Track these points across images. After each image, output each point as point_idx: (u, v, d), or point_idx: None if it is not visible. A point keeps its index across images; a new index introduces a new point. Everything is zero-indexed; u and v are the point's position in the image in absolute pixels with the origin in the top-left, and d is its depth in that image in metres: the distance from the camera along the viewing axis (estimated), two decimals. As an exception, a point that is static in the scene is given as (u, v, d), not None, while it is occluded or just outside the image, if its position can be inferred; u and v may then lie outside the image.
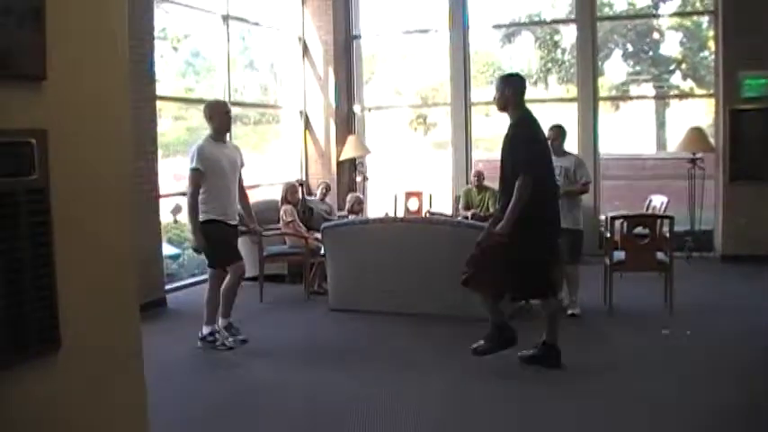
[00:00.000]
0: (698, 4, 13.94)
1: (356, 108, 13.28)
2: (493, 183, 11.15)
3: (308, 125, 12.88)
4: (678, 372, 5.93)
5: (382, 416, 5.21)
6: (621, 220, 7.86)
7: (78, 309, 2.81)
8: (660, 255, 7.76)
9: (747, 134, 10.51)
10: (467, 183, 11.76)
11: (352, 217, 9.81)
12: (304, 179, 12.12)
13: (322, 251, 8.77)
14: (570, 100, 12.67)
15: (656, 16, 15.02)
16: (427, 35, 14.15)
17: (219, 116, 6.82)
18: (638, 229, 7.86)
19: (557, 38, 16.29)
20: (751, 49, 10.24)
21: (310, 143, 12.88)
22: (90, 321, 2.89)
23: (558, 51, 16.50)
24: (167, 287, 9.32)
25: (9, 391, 2.56)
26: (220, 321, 6.91)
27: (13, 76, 2.54)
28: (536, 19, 15.13)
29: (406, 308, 7.76)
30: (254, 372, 6.25)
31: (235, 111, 11.87)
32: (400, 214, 11.59)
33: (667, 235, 7.85)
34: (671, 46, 16.13)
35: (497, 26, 14.62)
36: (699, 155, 10.95)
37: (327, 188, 11.11)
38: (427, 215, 11.14)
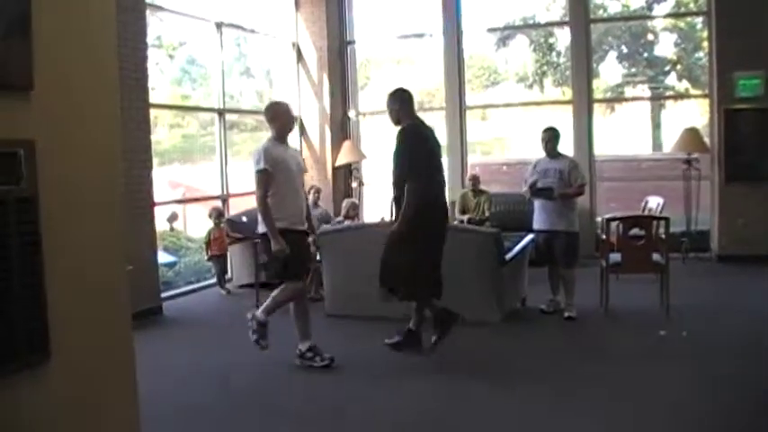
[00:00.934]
0: (691, 5, 13.98)
1: (351, 113, 13.28)
2: (488, 186, 11.21)
3: (303, 131, 12.89)
4: (675, 373, 5.92)
5: (378, 419, 5.19)
6: (617, 221, 7.86)
7: (68, 318, 2.81)
8: (656, 256, 7.76)
9: (742, 134, 10.51)
10: (462, 187, 11.74)
11: (347, 222, 9.79)
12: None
13: (318, 257, 8.76)
14: (565, 102, 12.67)
15: (650, 17, 15.05)
16: (422, 40, 14.16)
17: (282, 117, 6.47)
18: (634, 231, 7.86)
19: (551, 40, 16.31)
20: (744, 50, 10.26)
21: (306, 149, 12.88)
22: (80, 330, 2.89)
23: (553, 54, 16.52)
24: (163, 295, 9.29)
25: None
26: (300, 345, 6.49)
27: (0, 86, 2.54)
28: (530, 22, 15.16)
29: (401, 313, 7.73)
30: (250, 379, 6.24)
31: (231, 118, 11.91)
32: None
33: (663, 236, 7.85)
34: (665, 47, 16.17)
35: (492, 29, 14.63)
36: (694, 155, 10.95)
37: (318, 192, 11.07)
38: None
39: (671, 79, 16.28)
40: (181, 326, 8.41)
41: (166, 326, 8.40)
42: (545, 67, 16.84)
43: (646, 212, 9.65)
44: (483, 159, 16.81)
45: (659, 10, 14.86)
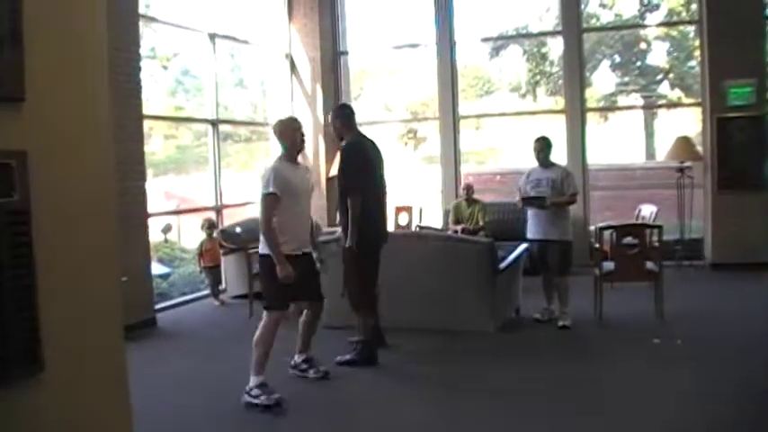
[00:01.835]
0: (684, 14, 14.04)
1: (345, 124, 13.28)
2: (482, 196, 11.22)
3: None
4: (669, 380, 5.93)
5: (376, 429, 5.19)
6: (610, 230, 7.88)
7: (62, 330, 2.81)
8: (650, 264, 7.77)
9: (734, 142, 10.55)
10: (456, 197, 11.76)
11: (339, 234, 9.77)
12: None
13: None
14: (559, 111, 12.70)
15: (643, 26, 15.14)
16: (415, 50, 14.20)
17: (291, 134, 6.14)
18: (628, 239, 7.87)
19: (544, 50, 16.40)
20: (736, 58, 10.31)
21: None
22: (73, 342, 2.89)
23: (546, 63, 16.61)
24: (157, 306, 9.27)
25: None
26: (297, 356, 6.49)
27: (-8, 97, 2.55)
28: (523, 32, 15.23)
29: (397, 323, 7.74)
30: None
31: (225, 129, 11.92)
32: (390, 229, 11.56)
33: (656, 244, 7.86)
34: (658, 56, 16.28)
35: (485, 39, 14.69)
36: (687, 164, 10.98)
37: None
38: (417, 230, 11.12)
39: (663, 88, 16.37)
40: (174, 337, 8.39)
41: (160, 337, 8.38)
42: (538, 77, 16.93)
43: (639, 221, 9.67)
44: (477, 169, 16.86)
45: (652, 19, 14.97)
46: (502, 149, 17.79)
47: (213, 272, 10.03)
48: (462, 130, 12.98)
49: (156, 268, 10.69)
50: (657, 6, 14.72)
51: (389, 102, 16.59)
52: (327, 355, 7.11)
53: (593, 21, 14.46)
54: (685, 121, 13.56)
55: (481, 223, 10.59)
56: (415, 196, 12.64)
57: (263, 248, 5.95)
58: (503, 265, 7.80)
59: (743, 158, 10.52)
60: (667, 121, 15.25)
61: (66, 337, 2.85)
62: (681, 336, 7.16)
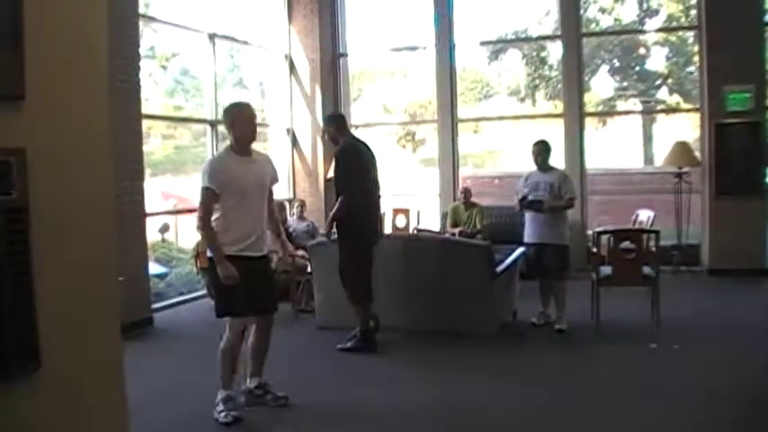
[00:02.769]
0: (683, 20, 14.08)
1: (344, 125, 13.29)
2: (480, 199, 11.23)
3: (295, 143, 12.90)
4: (665, 386, 5.93)
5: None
6: (608, 234, 7.88)
7: (59, 328, 2.81)
8: (646, 269, 7.77)
9: (732, 148, 10.56)
10: (454, 200, 11.76)
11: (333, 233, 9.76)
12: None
13: (309, 269, 8.76)
14: (557, 116, 12.71)
15: (642, 32, 15.17)
16: (414, 52, 14.21)
17: (242, 123, 5.39)
18: (625, 244, 7.87)
19: (543, 54, 16.43)
20: (734, 63, 10.32)
21: (298, 161, 12.90)
22: (71, 340, 2.89)
23: (546, 68, 16.63)
24: (154, 306, 9.27)
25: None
26: (248, 381, 5.74)
27: (-8, 96, 2.55)
28: (522, 36, 15.24)
29: (393, 325, 7.75)
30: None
31: (223, 129, 11.90)
32: (387, 231, 11.57)
33: (653, 249, 7.86)
34: (657, 61, 16.30)
35: (484, 43, 14.71)
36: (685, 169, 11.00)
37: (303, 205, 11.06)
38: (414, 232, 11.12)
39: (662, 93, 16.41)
40: (172, 337, 8.38)
41: (157, 337, 8.38)
42: (537, 81, 16.96)
43: (636, 226, 9.67)
44: (475, 172, 16.88)
45: (651, 24, 15.00)
46: (500, 153, 17.82)
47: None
48: (461, 133, 13.00)
49: (154, 268, 10.68)
50: (657, 12, 14.76)
51: (388, 104, 16.60)
52: (322, 355, 7.14)
53: (593, 25, 14.51)
54: (684, 127, 13.59)
55: (479, 226, 10.59)
56: (413, 199, 12.64)
57: (210, 251, 5.36)
58: (500, 268, 7.80)
59: (741, 164, 10.52)
60: (666, 126, 15.29)
61: (64, 335, 2.85)
62: (677, 341, 7.17)
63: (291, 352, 7.51)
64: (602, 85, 16.65)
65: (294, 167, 12.88)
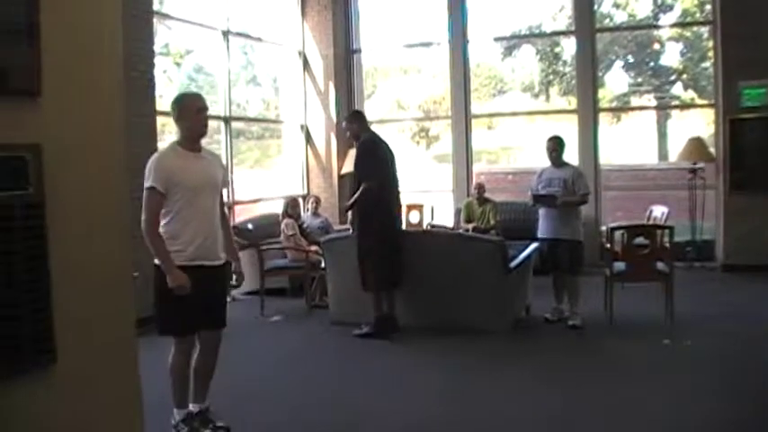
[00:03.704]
0: (698, 15, 14.00)
1: (357, 122, 13.30)
2: (494, 195, 11.22)
3: (309, 139, 12.92)
4: (679, 382, 5.92)
5: (387, 424, 5.21)
6: (622, 230, 7.87)
7: (74, 322, 2.84)
8: (660, 265, 7.76)
9: (747, 144, 10.51)
10: (468, 195, 11.76)
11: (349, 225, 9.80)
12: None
13: (323, 264, 8.79)
14: (571, 111, 12.68)
15: (657, 27, 15.09)
16: (428, 48, 14.21)
17: (191, 115, 4.76)
18: (639, 240, 7.86)
19: (557, 50, 16.38)
20: (750, 59, 10.26)
21: (311, 157, 12.92)
22: (86, 334, 2.92)
23: (560, 63, 16.59)
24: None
25: (5, 403, 2.58)
26: (191, 407, 4.96)
27: (8, 92, 2.59)
28: (536, 31, 15.21)
29: (406, 320, 7.77)
30: (252, 383, 6.26)
31: (237, 126, 11.95)
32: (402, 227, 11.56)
33: (667, 245, 7.85)
34: (671, 56, 16.23)
35: (498, 39, 14.69)
36: (699, 165, 10.96)
37: (318, 201, 11.10)
38: (428, 228, 11.13)
39: (677, 89, 16.33)
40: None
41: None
42: (551, 77, 16.91)
43: (650, 221, 9.65)
44: (489, 168, 16.87)
45: (665, 19, 14.91)
46: (514, 149, 17.79)
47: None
48: (474, 129, 12.98)
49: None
50: (671, 7, 14.67)
51: (402, 100, 16.61)
52: (335, 350, 7.18)
53: (607, 21, 14.45)
54: (698, 123, 13.53)
55: (492, 222, 10.59)
56: (427, 195, 12.65)
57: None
58: (513, 264, 7.80)
59: (755, 160, 10.47)
60: (680, 122, 15.21)
61: (79, 329, 2.89)
62: (691, 337, 7.16)
63: (305, 347, 7.57)
64: (616, 80, 16.59)
65: (308, 164, 12.90)
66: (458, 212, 11.61)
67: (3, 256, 2.57)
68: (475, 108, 13.02)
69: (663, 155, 16.32)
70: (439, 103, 15.34)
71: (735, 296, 9.20)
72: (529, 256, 8.32)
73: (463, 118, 12.58)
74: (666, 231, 7.89)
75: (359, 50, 13.40)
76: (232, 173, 10.99)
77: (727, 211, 10.77)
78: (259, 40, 12.54)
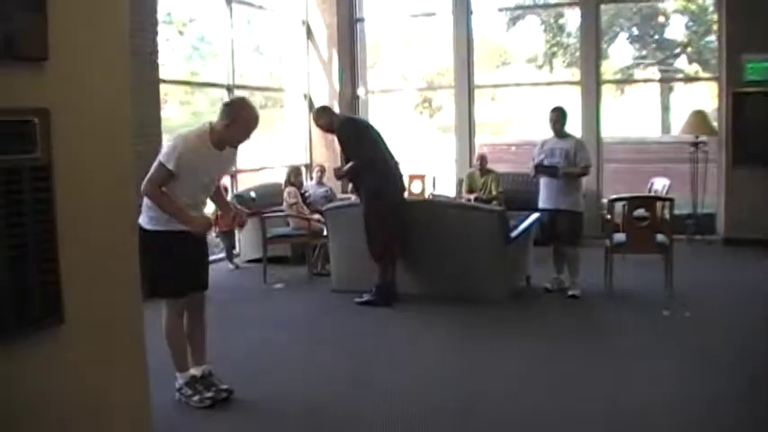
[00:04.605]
0: (703, -12, 13.92)
1: (360, 91, 13.30)
2: (496, 166, 11.25)
3: (312, 108, 12.89)
4: (677, 351, 5.98)
5: (389, 389, 5.28)
6: (622, 202, 7.89)
7: (81, 284, 2.89)
8: (660, 237, 7.79)
9: (750, 118, 10.48)
10: (470, 166, 11.78)
11: (354, 198, 9.85)
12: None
13: (325, 233, 8.84)
14: (575, 83, 12.65)
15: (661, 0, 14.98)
16: (432, 18, 14.15)
17: (241, 130, 4.86)
18: (639, 212, 7.88)
19: (562, 21, 16.30)
20: (754, 33, 10.22)
21: (315, 127, 12.87)
22: (93, 296, 2.97)
23: (564, 35, 16.50)
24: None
25: (14, 361, 2.64)
26: (193, 370, 5.10)
27: (16, 57, 2.61)
28: (541, 2, 15.13)
29: (407, 289, 7.83)
30: (255, 350, 6.32)
31: (240, 94, 11.92)
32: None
33: (667, 217, 7.88)
34: (676, 30, 16.13)
35: (502, 9, 14.61)
36: (702, 138, 10.95)
37: (323, 170, 11.15)
38: (430, 197, 11.16)
39: (681, 62, 16.26)
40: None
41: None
42: (555, 48, 16.84)
43: (651, 194, 9.67)
44: (491, 139, 16.85)
45: (670, -8, 14.81)
46: (517, 121, 17.75)
47: (228, 236, 10.12)
48: (477, 100, 12.96)
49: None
50: (677, -21, 14.59)
51: (405, 70, 16.55)
52: (338, 317, 7.24)
53: (612, -7, 14.37)
54: (702, 96, 13.48)
55: (494, 193, 10.63)
56: (430, 165, 12.67)
57: (147, 223, 4.77)
58: (514, 233, 7.84)
59: (758, 134, 10.45)
60: (684, 95, 15.17)
61: (86, 292, 2.93)
62: (690, 309, 7.21)
63: (307, 314, 7.64)
64: (620, 53, 16.52)
65: (311, 133, 12.89)
66: (460, 183, 11.65)
67: (12, 218, 2.61)
68: (478, 79, 12.98)
69: (666, 128, 16.27)
70: (442, 75, 15.30)
71: (735, 270, 9.25)
72: (529, 227, 8.36)
73: (466, 89, 12.56)
74: (667, 204, 7.92)
75: (362, 19, 13.35)
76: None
77: (728, 185, 10.79)
78: (261, 8, 12.48)
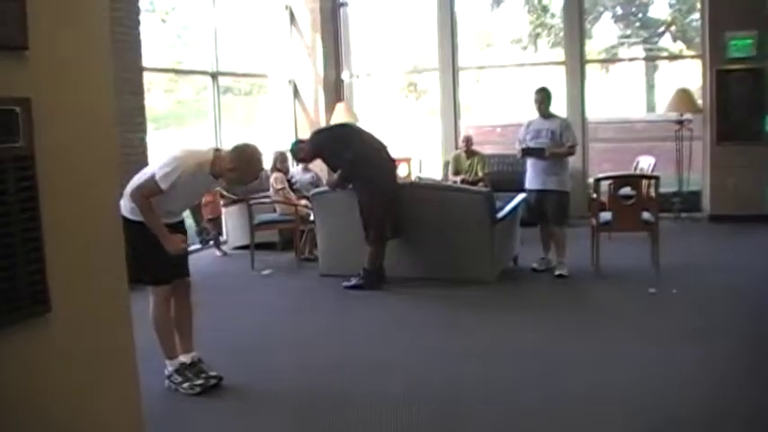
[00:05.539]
0: (685, -35, 13.95)
1: (345, 75, 13.27)
2: (482, 148, 11.27)
3: (296, 94, 12.87)
4: (664, 328, 6.02)
5: (377, 373, 5.30)
6: (608, 181, 7.92)
7: (67, 273, 2.88)
8: (646, 215, 7.83)
9: (734, 95, 10.54)
10: (456, 148, 11.79)
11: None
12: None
13: (312, 218, 8.84)
14: (559, 63, 12.65)
15: (645, -22, 15.01)
16: (416, 1, 14.10)
17: (246, 175, 5.23)
18: (625, 190, 7.92)
19: (545, 2, 16.30)
20: (737, 9, 10.26)
21: (300, 112, 12.88)
22: (79, 286, 2.96)
23: (548, 15, 16.51)
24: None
25: (1, 350, 2.64)
26: (182, 357, 5.16)
27: (-4, 45, 2.59)
28: (524, -17, 15.12)
29: (394, 272, 7.85)
30: (245, 338, 6.33)
31: (225, 83, 11.89)
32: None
33: (653, 195, 7.91)
34: (660, 8, 16.19)
35: (486, -10, 14.59)
36: (686, 116, 10.99)
37: None
38: (417, 180, 11.17)
39: (665, 41, 16.31)
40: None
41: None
42: (539, 29, 16.85)
43: (637, 172, 9.71)
44: (476, 121, 16.86)
45: (653, -30, 14.84)
46: (502, 101, 17.77)
47: (215, 223, 10.13)
48: (462, 82, 12.96)
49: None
50: (660, -42, 14.62)
51: (390, 53, 16.51)
52: (324, 301, 7.26)
53: (595, -28, 14.37)
54: (687, 74, 13.52)
55: (480, 175, 10.65)
56: (415, 148, 12.67)
57: (129, 212, 4.74)
58: (500, 214, 7.87)
59: (742, 111, 10.52)
60: (668, 73, 15.22)
61: (72, 280, 2.92)
62: (677, 285, 7.26)
63: (296, 299, 7.65)
64: (604, 32, 16.56)
65: (296, 118, 12.87)
66: (446, 165, 11.66)
67: (-5, 208, 2.61)
68: (462, 60, 12.96)
69: (650, 107, 16.34)
70: (427, 58, 15.28)
71: (721, 246, 9.32)
72: (516, 207, 8.39)
73: (450, 71, 12.54)
74: (652, 182, 7.95)
75: (346, 3, 13.30)
76: (220, 129, 10.98)
77: (713, 163, 10.85)
78: (245, -6, 12.43)
